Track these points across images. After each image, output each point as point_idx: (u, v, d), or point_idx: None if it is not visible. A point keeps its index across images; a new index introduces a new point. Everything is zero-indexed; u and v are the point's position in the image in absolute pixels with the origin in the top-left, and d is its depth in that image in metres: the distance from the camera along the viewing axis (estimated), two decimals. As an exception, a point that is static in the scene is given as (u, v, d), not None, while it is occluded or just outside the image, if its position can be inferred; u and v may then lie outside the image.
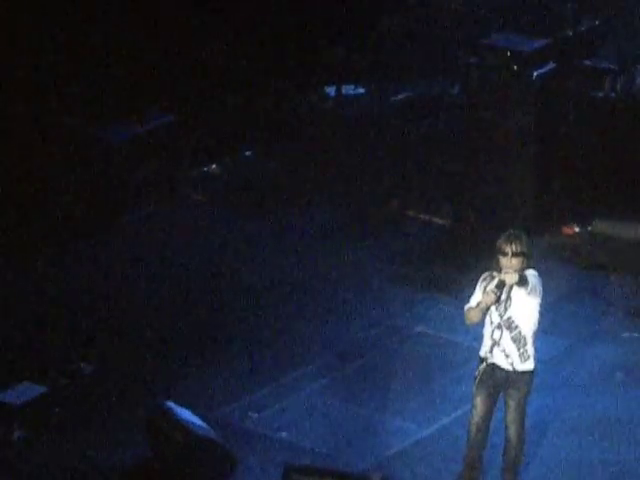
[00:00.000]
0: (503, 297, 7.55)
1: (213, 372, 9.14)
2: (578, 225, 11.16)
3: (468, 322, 7.76)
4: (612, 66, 11.16)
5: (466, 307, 7.75)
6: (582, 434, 8.30)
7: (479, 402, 7.70)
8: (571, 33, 11.72)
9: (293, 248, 11.03)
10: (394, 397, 8.89)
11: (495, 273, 7.64)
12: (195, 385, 8.92)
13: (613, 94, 10.99)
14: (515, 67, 11.06)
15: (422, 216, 11.64)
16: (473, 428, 7.70)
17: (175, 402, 8.12)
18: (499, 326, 7.62)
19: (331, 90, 13.41)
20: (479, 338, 9.44)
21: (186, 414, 8.00)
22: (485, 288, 7.64)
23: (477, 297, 7.71)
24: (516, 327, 7.59)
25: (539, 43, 11.25)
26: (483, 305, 7.59)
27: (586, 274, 10.54)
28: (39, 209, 11.14)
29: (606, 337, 9.54)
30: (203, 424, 7.98)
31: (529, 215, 11.20)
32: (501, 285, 7.51)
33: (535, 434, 8.26)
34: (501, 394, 7.75)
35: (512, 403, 7.68)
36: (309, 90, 13.34)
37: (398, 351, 9.53)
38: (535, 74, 11.09)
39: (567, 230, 11.20)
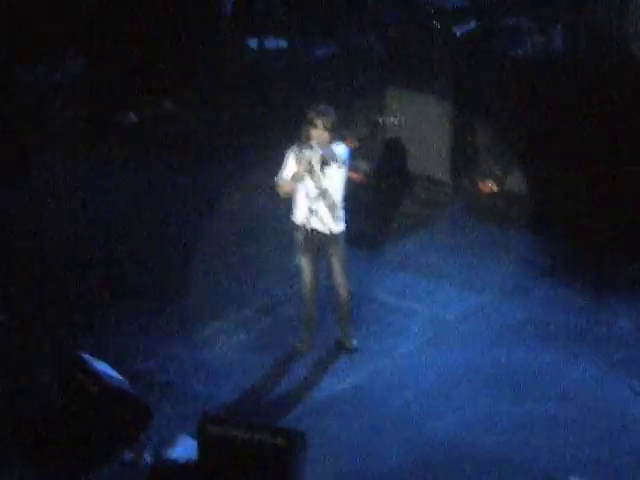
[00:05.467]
0: (318, 169, 8.08)
1: (130, 326, 9.10)
2: (494, 182, 11.26)
3: (282, 194, 8.38)
4: (532, 25, 11.22)
5: (279, 180, 8.29)
6: (493, 388, 8.43)
7: (307, 264, 8.50)
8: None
9: (208, 201, 10.98)
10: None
11: (304, 145, 8.14)
12: (110, 338, 8.88)
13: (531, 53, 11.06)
14: (438, 24, 11.08)
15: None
16: (306, 288, 8.54)
17: (89, 354, 8.08)
18: (317, 197, 8.24)
19: (253, 42, 13.32)
20: (399, 294, 9.58)
21: (101, 366, 7.97)
22: (297, 161, 8.14)
23: (289, 170, 8.24)
24: (330, 196, 8.26)
25: (461, 1, 11.27)
26: (299, 175, 8.15)
27: (501, 230, 10.64)
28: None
29: (520, 293, 9.67)
30: (118, 376, 7.95)
31: (448, 171, 11.30)
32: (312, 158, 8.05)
33: (447, 387, 8.38)
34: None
35: (336, 261, 8.47)
36: (231, 43, 13.24)
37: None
38: (458, 32, 11.12)
39: (484, 187, 11.30)
